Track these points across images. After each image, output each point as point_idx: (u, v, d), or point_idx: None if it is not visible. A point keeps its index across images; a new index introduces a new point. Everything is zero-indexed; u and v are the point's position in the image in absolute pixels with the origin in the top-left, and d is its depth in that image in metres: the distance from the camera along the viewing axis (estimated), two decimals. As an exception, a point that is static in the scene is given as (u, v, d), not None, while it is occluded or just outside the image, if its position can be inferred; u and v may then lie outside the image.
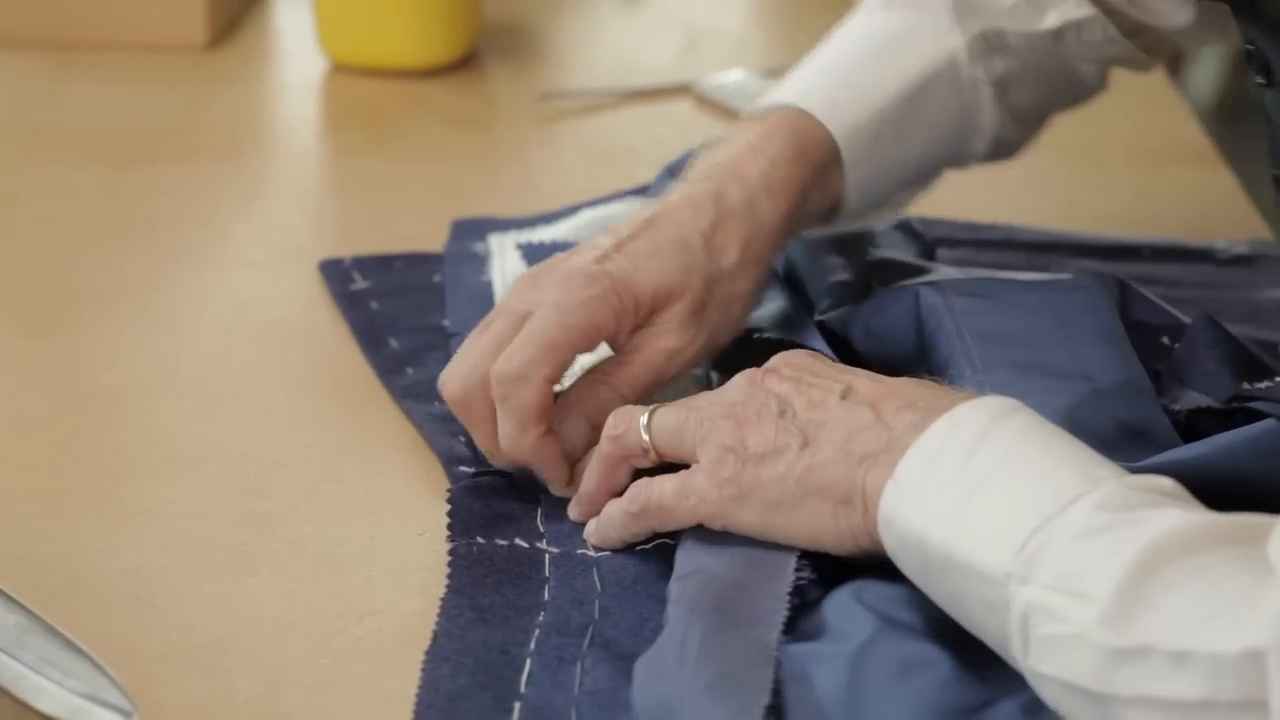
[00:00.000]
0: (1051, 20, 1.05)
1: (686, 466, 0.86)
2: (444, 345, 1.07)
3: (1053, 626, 0.71)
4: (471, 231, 1.20)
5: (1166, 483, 0.74)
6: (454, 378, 0.93)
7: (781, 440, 0.82)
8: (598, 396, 0.92)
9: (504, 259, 1.16)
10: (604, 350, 0.93)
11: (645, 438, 0.87)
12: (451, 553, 0.89)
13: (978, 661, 0.76)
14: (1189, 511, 0.72)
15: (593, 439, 0.91)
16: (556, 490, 0.92)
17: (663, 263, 0.93)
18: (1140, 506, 0.72)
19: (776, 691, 0.76)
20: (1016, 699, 0.75)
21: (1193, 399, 0.93)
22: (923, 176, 1.08)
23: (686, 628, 0.79)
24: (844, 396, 0.83)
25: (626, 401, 0.92)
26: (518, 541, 0.90)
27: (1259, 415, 0.89)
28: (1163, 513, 0.72)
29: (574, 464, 0.92)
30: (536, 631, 0.84)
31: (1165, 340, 0.99)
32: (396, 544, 0.92)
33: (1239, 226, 1.24)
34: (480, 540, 0.89)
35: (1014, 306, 0.97)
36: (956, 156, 1.08)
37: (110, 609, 0.86)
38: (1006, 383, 0.90)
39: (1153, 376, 0.95)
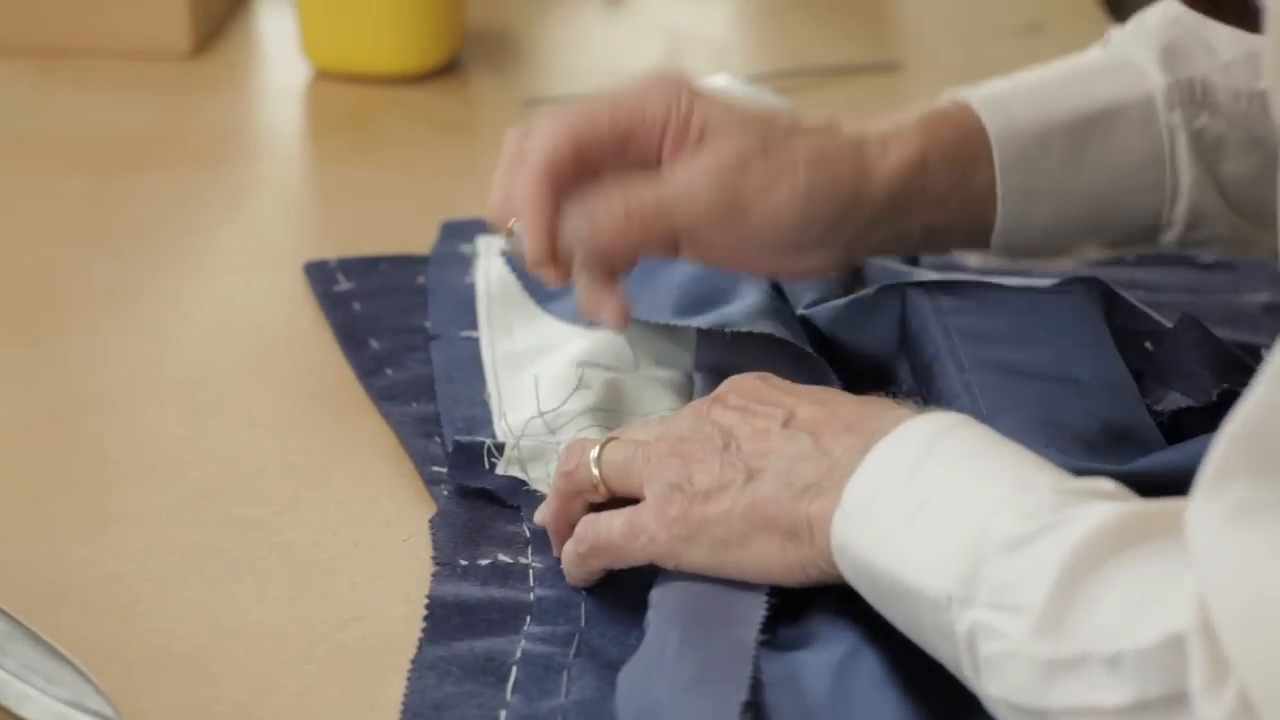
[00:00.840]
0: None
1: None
2: (424, 346, 1.07)
3: (993, 645, 0.69)
4: (460, 233, 1.20)
5: (1106, 484, 0.73)
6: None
7: (726, 476, 0.81)
8: (606, 199, 0.90)
9: (490, 261, 1.16)
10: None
11: (595, 472, 0.85)
12: (436, 575, 0.88)
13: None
14: (1114, 504, 0.70)
15: (587, 251, 0.91)
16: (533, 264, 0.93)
17: (737, 112, 0.92)
18: (1066, 506, 0.70)
19: (756, 690, 0.76)
20: None
21: (1175, 400, 0.93)
22: (1104, 226, 1.00)
23: (666, 630, 0.79)
24: (785, 425, 0.81)
25: (630, 218, 0.90)
26: (500, 558, 0.90)
27: None
28: (1087, 509, 0.70)
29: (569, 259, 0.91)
30: (522, 640, 0.84)
31: (1148, 345, 1.00)
32: (381, 550, 0.92)
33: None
34: (463, 563, 0.89)
35: (1000, 307, 0.97)
36: (1149, 216, 1.00)
37: (94, 615, 0.86)
38: (992, 382, 0.91)
39: (1135, 378, 0.96)
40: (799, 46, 1.61)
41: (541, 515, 0.89)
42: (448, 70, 1.53)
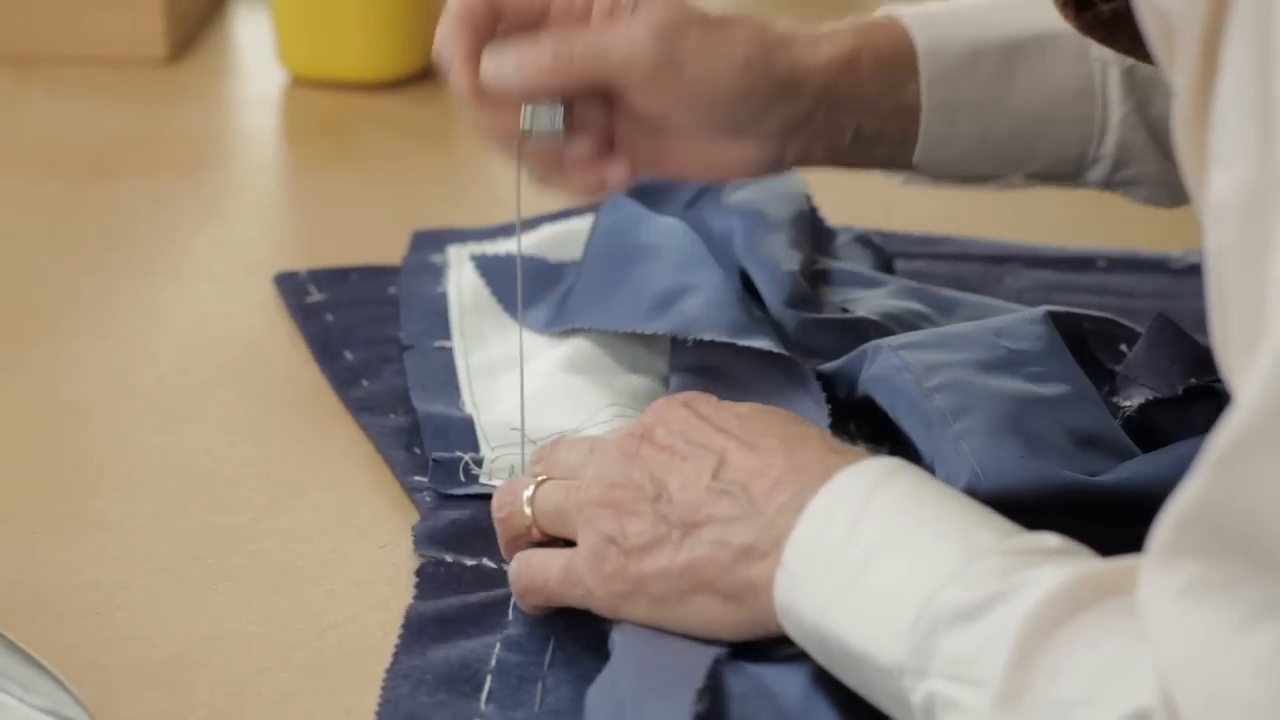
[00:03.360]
0: None
1: None
2: (398, 358, 1.07)
3: (953, 717, 0.68)
4: (431, 243, 1.20)
5: (1051, 539, 0.71)
6: None
7: (659, 530, 0.79)
8: (537, 44, 0.90)
9: (461, 271, 1.16)
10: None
11: (528, 513, 0.85)
12: (418, 572, 0.89)
13: None
14: (1064, 566, 0.69)
15: (513, 85, 0.90)
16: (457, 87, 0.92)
17: None
18: (1016, 570, 0.69)
19: (718, 699, 0.75)
20: None
21: (1141, 394, 0.93)
22: (1030, 154, 0.99)
23: (630, 649, 0.79)
24: (715, 475, 0.79)
25: (558, 57, 0.90)
26: (485, 562, 0.90)
27: (1212, 404, 0.89)
28: (1038, 573, 0.69)
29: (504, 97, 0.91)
30: (497, 648, 0.84)
31: (1124, 348, 1.00)
32: (357, 557, 0.92)
33: (1200, 235, 1.25)
34: (448, 559, 0.89)
35: (952, 334, 0.98)
36: (1077, 147, 0.99)
37: (70, 624, 0.86)
38: (951, 390, 0.91)
39: (1109, 378, 0.96)
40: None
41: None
42: (423, 76, 1.53)
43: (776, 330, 1.01)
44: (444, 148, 1.45)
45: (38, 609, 0.87)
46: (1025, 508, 0.84)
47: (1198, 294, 1.15)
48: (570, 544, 0.84)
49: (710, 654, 0.78)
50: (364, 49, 1.50)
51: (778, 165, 0.97)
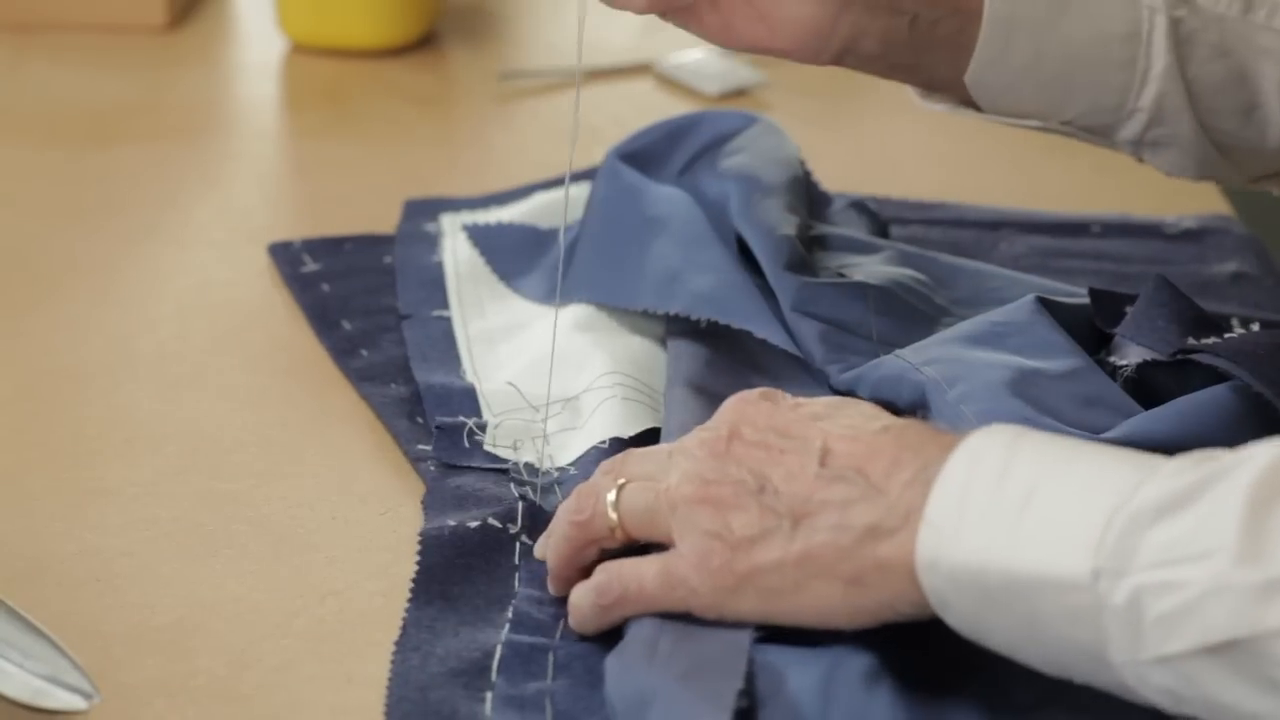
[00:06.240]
0: None
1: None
2: (396, 327, 1.07)
3: (1174, 598, 0.68)
4: (423, 211, 1.20)
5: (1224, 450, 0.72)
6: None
7: (768, 521, 0.77)
8: None
9: (455, 240, 1.16)
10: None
11: (613, 517, 0.82)
12: (422, 535, 0.89)
13: (944, 673, 0.76)
14: (1271, 445, 0.70)
15: None
16: None
17: None
18: (1213, 459, 0.70)
19: (750, 679, 0.75)
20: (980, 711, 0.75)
21: (1138, 353, 0.93)
22: (1073, 92, 0.99)
23: (657, 632, 0.79)
24: (823, 463, 0.77)
25: None
26: (490, 521, 0.89)
27: (1209, 367, 0.90)
28: (1249, 453, 0.70)
29: None
30: (508, 621, 0.84)
31: (1127, 309, 1.00)
32: (358, 524, 0.92)
33: (1197, 200, 1.25)
34: (451, 523, 0.89)
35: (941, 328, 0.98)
36: (1118, 94, 0.99)
37: (71, 591, 0.86)
38: (944, 358, 0.91)
39: (1108, 340, 0.96)
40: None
41: (541, 550, 0.87)
42: (425, 44, 1.53)
43: (775, 296, 1.01)
44: (444, 114, 1.45)
45: (38, 576, 0.87)
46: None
47: (1192, 259, 1.16)
48: (637, 552, 0.82)
49: (742, 642, 0.77)
50: (364, 16, 1.49)
51: (828, 37, 0.96)
